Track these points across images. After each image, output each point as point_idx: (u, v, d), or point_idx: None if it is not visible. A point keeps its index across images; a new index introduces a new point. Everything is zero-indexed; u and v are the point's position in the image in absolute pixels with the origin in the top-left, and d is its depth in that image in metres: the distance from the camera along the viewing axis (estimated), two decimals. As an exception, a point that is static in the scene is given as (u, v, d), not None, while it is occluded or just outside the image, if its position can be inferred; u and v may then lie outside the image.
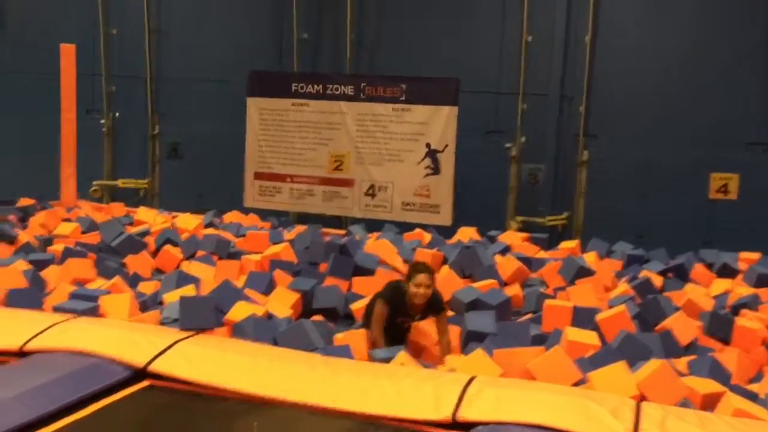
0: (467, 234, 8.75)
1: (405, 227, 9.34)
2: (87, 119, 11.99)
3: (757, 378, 4.94)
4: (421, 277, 5.12)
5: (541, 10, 10.48)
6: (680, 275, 7.22)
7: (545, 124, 10.67)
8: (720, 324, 5.63)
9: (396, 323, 5.26)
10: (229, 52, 11.79)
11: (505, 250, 7.75)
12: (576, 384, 4.47)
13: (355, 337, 5.04)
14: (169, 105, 12.23)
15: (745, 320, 5.68)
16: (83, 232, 8.18)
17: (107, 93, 12.31)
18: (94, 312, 5.27)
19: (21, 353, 4.64)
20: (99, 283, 6.16)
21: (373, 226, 9.58)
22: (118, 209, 9.79)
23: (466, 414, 3.91)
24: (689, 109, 10.08)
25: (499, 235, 8.71)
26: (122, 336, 4.72)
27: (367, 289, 6.17)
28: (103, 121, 12.33)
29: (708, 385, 4.38)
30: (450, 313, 5.78)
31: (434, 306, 5.29)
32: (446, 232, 9.25)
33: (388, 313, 5.18)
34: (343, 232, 9.36)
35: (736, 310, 6.09)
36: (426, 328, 5.54)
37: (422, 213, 10.32)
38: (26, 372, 4.28)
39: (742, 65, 9.86)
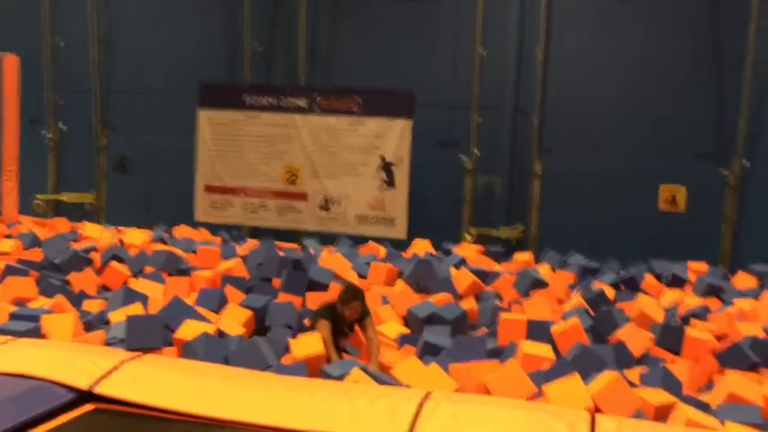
0: (422, 247, 8.74)
1: (360, 240, 9.29)
2: (31, 132, 11.64)
3: (707, 387, 5.01)
4: (356, 305, 5.54)
5: (494, 24, 10.58)
6: (631, 286, 7.33)
7: (499, 136, 10.76)
8: (671, 335, 5.71)
9: (338, 331, 5.61)
10: (179, 63, 11.60)
11: (461, 263, 7.76)
12: (531, 397, 4.46)
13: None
14: (117, 117, 11.97)
15: (695, 331, 5.77)
16: (25, 249, 7.89)
17: (53, 105, 11.97)
18: (35, 333, 5.07)
19: (-43, 378, 4.41)
20: (41, 302, 5.95)
21: (328, 239, 9.51)
22: (63, 224, 9.50)
23: (423, 431, 3.84)
24: (640, 121, 10.29)
25: (454, 247, 8.71)
26: (65, 357, 4.52)
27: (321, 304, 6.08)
28: (47, 134, 11.97)
29: (660, 396, 4.42)
30: (405, 330, 5.92)
31: (362, 315, 5.67)
32: (401, 244, 9.23)
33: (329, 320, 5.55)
34: (297, 245, 9.25)
35: (686, 320, 6.19)
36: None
37: (377, 226, 10.28)
38: (-38, 397, 4.06)
39: (690, 80, 10.11)
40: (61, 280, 6.75)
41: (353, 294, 5.64)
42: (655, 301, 6.87)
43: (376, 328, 5.79)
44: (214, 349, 4.89)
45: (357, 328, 5.76)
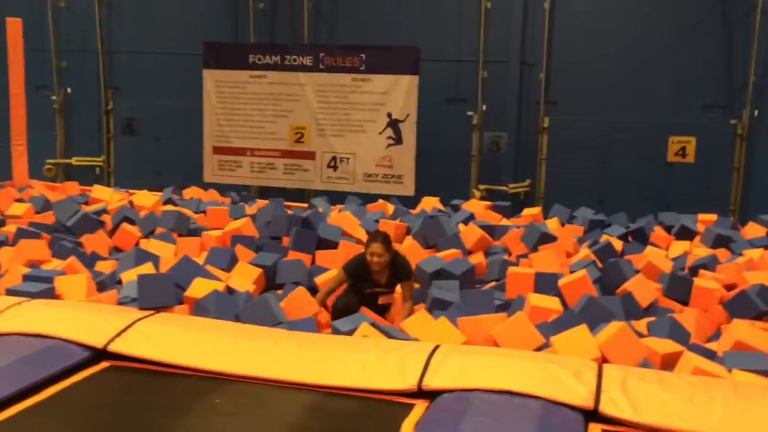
0: (430, 204, 8.75)
1: (368, 198, 9.31)
2: (37, 96, 11.64)
3: (715, 337, 5.04)
4: (375, 247, 5.25)
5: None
6: (640, 239, 7.33)
7: (506, 91, 10.67)
8: (679, 285, 5.73)
9: (366, 294, 5.38)
10: (183, 23, 11.50)
11: (469, 219, 7.77)
12: (539, 348, 4.51)
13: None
14: (123, 79, 11.93)
15: (703, 281, 5.78)
16: (37, 212, 7.97)
17: (57, 68, 11.94)
18: (49, 293, 5.14)
19: (-26, 338, 4.50)
20: (54, 264, 6.02)
21: (336, 198, 9.53)
22: (73, 188, 9.55)
23: (432, 383, 3.91)
24: (647, 74, 10.17)
25: (463, 203, 8.72)
26: (79, 317, 4.60)
27: (330, 262, 6.13)
28: (54, 98, 11.97)
29: (667, 345, 4.46)
30: (415, 285, 5.78)
31: (399, 273, 5.42)
32: (409, 202, 9.25)
33: (355, 284, 5.34)
34: (305, 205, 9.28)
35: (694, 271, 6.20)
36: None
37: (385, 184, 10.28)
38: (-20, 357, 4.15)
39: (697, 29, 9.94)
40: (73, 242, 6.82)
41: (373, 235, 5.44)
42: (663, 253, 6.88)
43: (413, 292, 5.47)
44: (225, 307, 4.96)
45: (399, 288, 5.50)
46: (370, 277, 5.36)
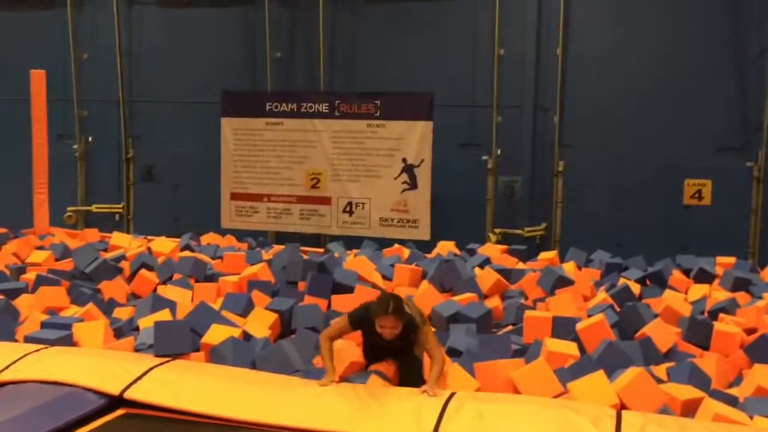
0: (446, 248, 8.75)
1: (384, 243, 9.33)
2: (59, 145, 11.88)
3: (736, 382, 4.95)
4: (386, 321, 4.44)
5: (512, 23, 10.57)
6: (658, 282, 7.26)
7: (520, 135, 10.73)
8: (698, 330, 5.65)
9: (378, 346, 4.74)
10: (201, 72, 11.75)
11: (485, 263, 7.75)
12: (557, 396, 4.45)
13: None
14: (143, 128, 12.16)
15: (723, 325, 5.70)
16: (57, 260, 8.06)
17: (79, 117, 12.20)
18: (67, 340, 5.17)
19: (-8, 386, 4.53)
20: (73, 311, 6.06)
21: (352, 243, 9.55)
22: (93, 235, 9.67)
23: (448, 430, 3.87)
24: (662, 116, 10.20)
25: (479, 247, 8.71)
26: (96, 364, 4.63)
27: (346, 306, 6.09)
28: (75, 146, 12.21)
29: (687, 392, 4.39)
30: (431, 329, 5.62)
31: (409, 328, 4.56)
32: (425, 246, 9.25)
33: (364, 337, 4.82)
34: (321, 250, 9.32)
35: (714, 314, 6.12)
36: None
37: (401, 228, 10.31)
38: (-2, 405, 4.17)
39: (710, 71, 10.00)
40: (92, 288, 6.88)
41: (384, 305, 4.44)
42: (682, 296, 6.81)
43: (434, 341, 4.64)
44: (241, 353, 4.96)
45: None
46: (375, 334, 4.57)
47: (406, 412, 4.08)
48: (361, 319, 4.62)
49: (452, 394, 4.22)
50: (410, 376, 4.64)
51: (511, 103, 10.68)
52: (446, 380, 4.56)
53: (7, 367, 4.61)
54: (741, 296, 6.70)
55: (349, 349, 4.98)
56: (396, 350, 4.72)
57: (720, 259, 8.08)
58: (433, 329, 5.35)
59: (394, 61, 11.11)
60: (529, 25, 10.57)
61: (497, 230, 10.73)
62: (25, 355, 4.75)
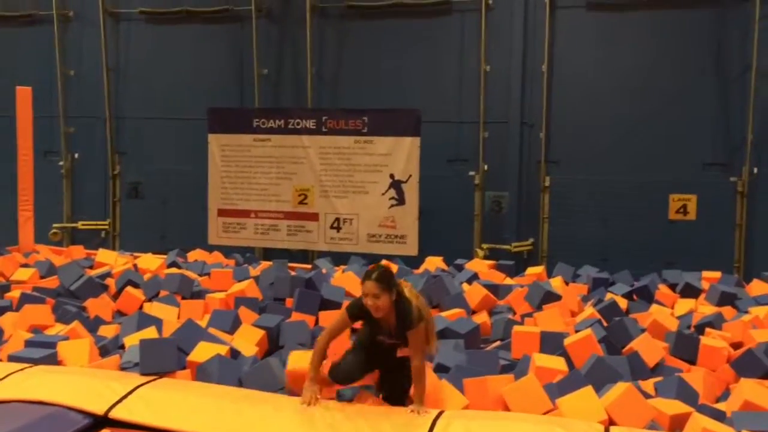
0: (434, 263, 8.76)
1: (371, 259, 9.31)
2: (45, 162, 11.84)
3: (724, 397, 4.97)
4: (367, 286, 4.19)
5: (498, 40, 10.67)
6: (645, 296, 7.29)
7: (507, 151, 10.80)
8: (685, 344, 5.67)
9: (377, 342, 4.42)
10: (188, 89, 11.76)
11: (472, 278, 7.76)
12: (546, 412, 4.44)
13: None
14: (129, 144, 12.13)
15: (710, 339, 5.73)
16: (42, 277, 7.99)
17: (65, 134, 12.16)
18: (52, 359, 5.10)
19: (-25, 406, 4.47)
20: (58, 329, 6.00)
21: (340, 259, 9.55)
22: (78, 252, 9.59)
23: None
24: (647, 131, 10.30)
25: (466, 263, 8.72)
26: (81, 383, 4.58)
27: (333, 323, 6.09)
28: (61, 163, 12.15)
29: (675, 406, 4.39)
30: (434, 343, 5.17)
31: (404, 321, 4.27)
32: (413, 261, 9.25)
33: (367, 331, 4.43)
34: (309, 266, 9.29)
35: (700, 329, 6.15)
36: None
37: (388, 244, 10.31)
38: (-20, 425, 4.11)
39: (694, 88, 10.12)
40: (77, 306, 6.81)
41: (369, 271, 4.25)
42: (669, 311, 6.84)
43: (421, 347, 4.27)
44: (228, 371, 4.91)
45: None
46: (374, 321, 4.34)
47: (396, 429, 4.05)
48: (360, 309, 4.32)
49: (440, 413, 4.20)
50: (392, 388, 4.56)
51: (498, 119, 10.75)
52: (425, 394, 4.39)
53: (-10, 387, 4.55)
54: (727, 311, 6.74)
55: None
56: (394, 349, 4.42)
57: (706, 273, 8.14)
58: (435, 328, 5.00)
59: (381, 78, 11.17)
60: (514, 41, 10.68)
61: (485, 245, 10.75)
62: (9, 375, 4.69)
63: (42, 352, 5.14)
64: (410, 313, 4.27)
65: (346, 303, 6.53)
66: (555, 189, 10.66)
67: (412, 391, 4.39)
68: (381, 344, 4.41)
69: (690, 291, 7.49)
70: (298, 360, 4.76)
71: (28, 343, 5.41)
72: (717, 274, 8.13)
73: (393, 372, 4.54)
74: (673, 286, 7.72)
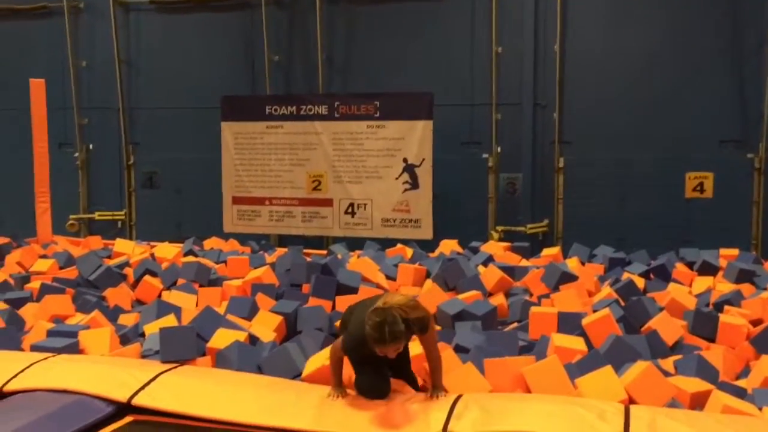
0: (449, 246, 8.75)
1: (386, 243, 9.33)
2: (60, 154, 11.92)
3: (743, 374, 4.95)
4: (387, 349, 4.01)
5: (509, 21, 10.58)
6: (662, 275, 7.26)
7: (520, 133, 10.74)
8: (704, 322, 5.65)
9: (375, 356, 4.18)
10: (200, 78, 11.77)
11: (488, 261, 7.75)
12: (566, 393, 4.43)
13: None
14: (143, 134, 12.17)
15: (729, 317, 5.70)
16: (61, 268, 8.08)
17: (79, 126, 12.22)
18: (73, 348, 5.17)
19: (0, 395, 4.54)
20: (78, 318, 6.07)
21: (355, 244, 9.56)
22: (96, 242, 9.67)
23: (456, 428, 3.87)
24: (661, 110, 10.20)
25: (481, 245, 8.71)
26: (103, 371, 4.63)
27: (351, 307, 6.12)
28: (76, 154, 12.22)
29: (695, 384, 4.38)
30: (437, 327, 5.49)
31: (411, 334, 4.16)
32: (428, 245, 9.26)
33: (362, 354, 4.22)
34: (324, 252, 9.32)
35: (719, 307, 6.12)
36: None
37: (403, 228, 10.31)
38: (7, 414, 4.17)
39: (710, 64, 10.00)
40: (97, 296, 6.88)
41: (380, 334, 3.91)
42: (686, 289, 6.81)
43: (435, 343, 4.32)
44: (247, 357, 4.95)
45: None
46: (375, 353, 4.11)
47: (415, 413, 4.07)
48: (357, 346, 4.15)
49: (459, 396, 4.21)
50: (402, 367, 4.48)
51: (511, 100, 10.69)
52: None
53: (14, 376, 4.61)
54: (745, 288, 6.70)
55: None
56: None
57: (723, 251, 8.08)
58: (437, 328, 5.29)
59: (393, 62, 11.12)
60: (526, 22, 10.58)
61: (499, 228, 10.73)
62: (32, 364, 4.75)
63: (64, 341, 5.21)
64: (420, 320, 4.10)
65: (362, 288, 6.59)
66: (569, 169, 10.60)
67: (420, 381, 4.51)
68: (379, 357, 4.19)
69: (708, 269, 7.44)
70: (314, 363, 4.75)
71: (50, 333, 5.48)
72: (735, 252, 8.06)
73: (401, 364, 4.44)
74: (690, 265, 7.68)
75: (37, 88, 10.07)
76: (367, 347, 4.06)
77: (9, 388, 4.54)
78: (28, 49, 12.33)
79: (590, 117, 10.48)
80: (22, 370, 4.67)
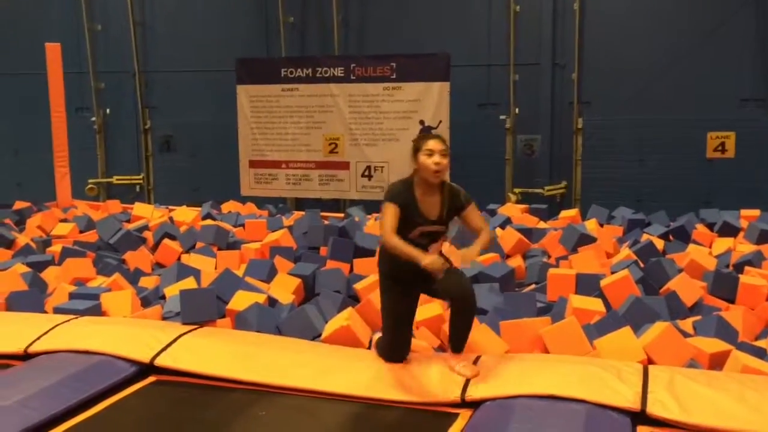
0: (466, 209, 8.70)
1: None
2: (77, 118, 11.94)
3: (763, 334, 4.92)
4: (434, 143, 3.95)
5: (527, -22, 10.38)
6: (681, 237, 7.20)
7: (538, 94, 10.60)
8: (724, 283, 5.61)
9: (410, 240, 3.94)
10: (215, 40, 11.69)
11: (506, 223, 7.72)
12: (585, 354, 4.43)
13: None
14: (159, 98, 12.16)
15: (749, 278, 5.66)
16: (81, 232, 8.16)
17: (96, 90, 12.22)
18: (95, 310, 5.25)
19: (25, 356, 4.63)
20: (99, 281, 6.14)
21: (372, 207, 9.54)
22: (115, 206, 9.75)
23: (474, 393, 3.89)
24: (681, 69, 10.01)
25: (499, 207, 8.68)
26: (126, 333, 4.71)
27: (368, 269, 6.14)
28: (93, 119, 12.26)
29: (714, 345, 4.37)
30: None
31: (456, 200, 4.09)
32: (445, 208, 9.20)
33: (399, 225, 3.93)
34: (341, 215, 9.33)
35: (739, 268, 6.08)
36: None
37: (420, 191, 10.26)
38: (32, 374, 4.26)
39: (731, 22, 9.77)
40: (117, 259, 6.96)
41: (424, 134, 4.03)
42: (706, 250, 6.76)
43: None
44: (266, 319, 5.00)
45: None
46: (417, 209, 3.96)
47: (433, 376, 4.09)
48: (401, 191, 3.96)
49: (478, 357, 4.23)
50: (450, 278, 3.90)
51: (529, 60, 10.53)
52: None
53: (38, 338, 4.70)
54: (766, 248, 6.62)
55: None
56: (437, 237, 4.05)
57: (744, 212, 7.98)
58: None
59: (409, 22, 10.97)
60: (544, -21, 10.37)
61: (517, 190, 10.67)
62: (55, 326, 4.84)
63: (86, 303, 5.29)
64: (458, 192, 4.13)
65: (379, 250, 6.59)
66: (588, 130, 10.47)
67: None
68: (415, 242, 3.92)
69: (728, 230, 7.36)
70: (333, 326, 4.79)
71: (72, 296, 5.55)
72: (756, 212, 7.96)
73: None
74: (710, 226, 7.60)
75: (53, 52, 10.05)
76: (408, 194, 3.93)
77: (33, 349, 4.63)
78: (43, 13, 12.29)
79: (609, 77, 10.31)
80: (46, 332, 4.76)
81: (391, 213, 3.93)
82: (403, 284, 4.07)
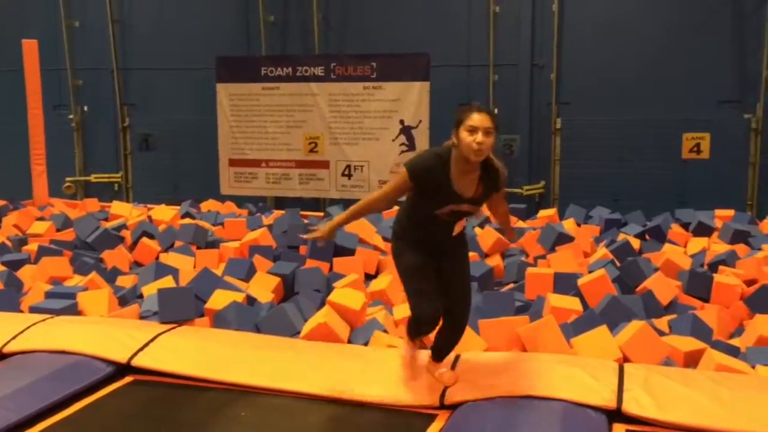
0: (446, 208, 8.74)
1: (383, 205, 9.30)
2: (55, 115, 11.82)
3: (737, 333, 5.01)
4: (480, 119, 3.37)
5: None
6: (657, 236, 7.29)
7: (517, 94, 10.65)
8: (699, 282, 5.69)
9: (433, 218, 3.54)
10: (195, 39, 11.60)
11: (485, 222, 7.76)
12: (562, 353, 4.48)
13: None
14: (138, 96, 12.05)
15: (723, 277, 5.74)
16: (58, 230, 8.08)
17: (74, 87, 12.09)
18: (72, 310, 5.20)
19: (0, 356, 4.58)
20: (76, 280, 6.09)
21: (351, 205, 9.54)
22: (93, 205, 9.67)
23: (453, 395, 3.91)
24: (659, 71, 10.11)
25: (478, 207, 8.70)
26: (103, 332, 4.67)
27: (348, 269, 6.16)
28: (71, 116, 12.13)
29: (689, 343, 4.43)
30: None
31: (495, 178, 3.60)
32: (425, 207, 9.22)
33: (420, 201, 3.56)
34: (321, 214, 9.33)
35: (713, 267, 6.16)
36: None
37: (400, 190, 10.28)
38: (7, 374, 4.22)
39: (708, 24, 9.89)
40: (94, 258, 6.90)
41: (471, 106, 3.47)
42: (681, 250, 6.85)
43: None
44: (245, 317, 4.99)
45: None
46: (449, 187, 3.44)
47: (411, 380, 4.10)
48: (431, 167, 3.41)
49: (457, 356, 4.25)
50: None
51: (508, 61, 10.57)
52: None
53: (14, 338, 4.65)
54: (740, 248, 6.74)
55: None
56: (466, 216, 3.60)
57: (719, 212, 8.10)
58: None
59: (389, 22, 10.96)
60: (524, -20, 10.42)
61: (496, 189, 10.70)
62: (31, 326, 4.79)
63: (62, 303, 5.24)
64: (495, 165, 3.60)
65: (359, 250, 6.62)
66: (566, 131, 10.55)
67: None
68: (440, 221, 3.56)
69: (703, 230, 7.47)
70: (312, 324, 4.79)
71: (48, 295, 5.50)
72: (730, 213, 8.09)
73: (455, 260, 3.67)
74: (686, 225, 7.70)
75: (30, 48, 9.94)
76: (440, 170, 3.39)
77: (8, 349, 4.59)
78: (20, 8, 12.13)
79: (587, 78, 10.39)
80: (22, 332, 4.71)
81: (398, 187, 3.52)
82: (424, 253, 3.68)
